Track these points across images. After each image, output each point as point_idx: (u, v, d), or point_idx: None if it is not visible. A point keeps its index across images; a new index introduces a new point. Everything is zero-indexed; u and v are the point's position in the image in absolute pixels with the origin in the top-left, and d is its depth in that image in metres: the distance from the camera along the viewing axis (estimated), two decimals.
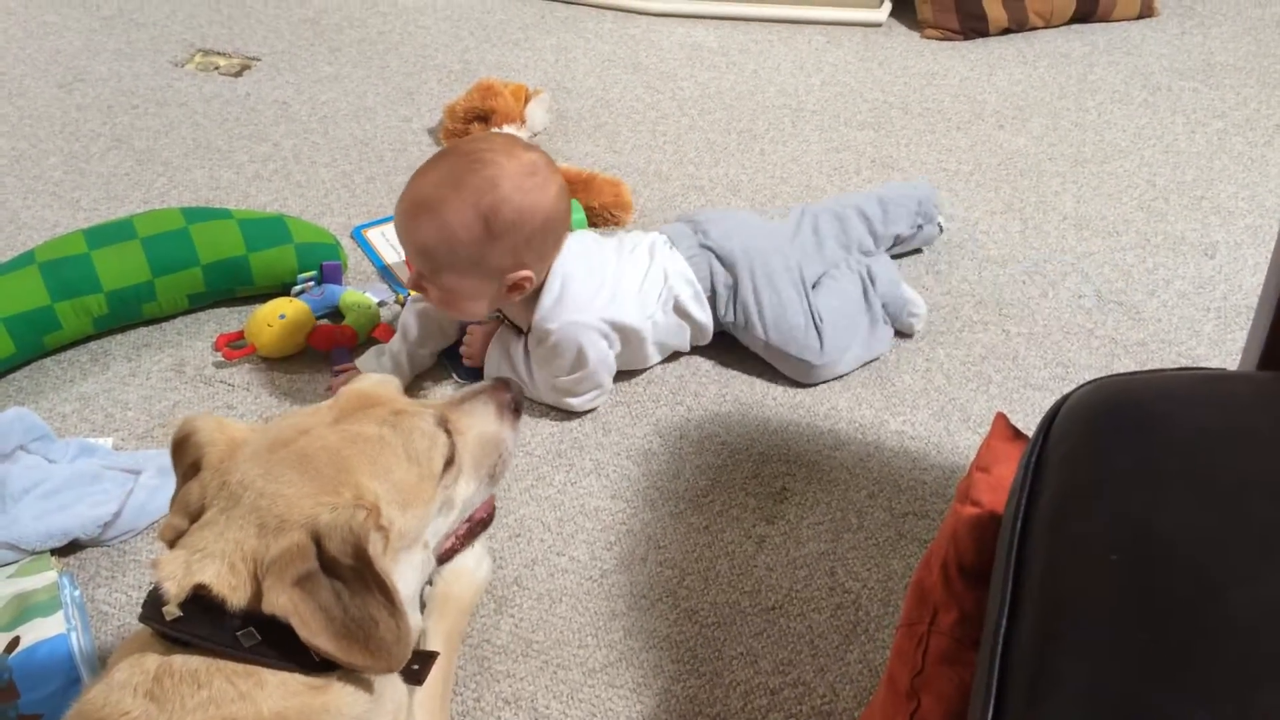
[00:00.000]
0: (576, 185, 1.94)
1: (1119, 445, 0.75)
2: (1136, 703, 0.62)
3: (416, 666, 1.03)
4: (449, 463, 1.00)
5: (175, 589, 0.86)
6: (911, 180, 1.99)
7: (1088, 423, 0.79)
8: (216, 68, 2.46)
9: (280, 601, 0.84)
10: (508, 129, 2.06)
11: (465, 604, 1.29)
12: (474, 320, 1.61)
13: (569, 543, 1.42)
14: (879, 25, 2.62)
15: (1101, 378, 0.84)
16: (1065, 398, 0.84)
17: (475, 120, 2.13)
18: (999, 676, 0.68)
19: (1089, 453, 0.77)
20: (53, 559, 1.34)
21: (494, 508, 1.16)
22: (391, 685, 0.99)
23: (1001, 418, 1.05)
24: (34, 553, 1.35)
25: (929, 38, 2.59)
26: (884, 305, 1.67)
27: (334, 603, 0.86)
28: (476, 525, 1.11)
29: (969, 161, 2.14)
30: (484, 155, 1.39)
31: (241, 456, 0.94)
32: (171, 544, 0.93)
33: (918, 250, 1.88)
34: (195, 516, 0.94)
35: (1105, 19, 2.64)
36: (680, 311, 1.59)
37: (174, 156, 2.15)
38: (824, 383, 1.64)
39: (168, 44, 2.54)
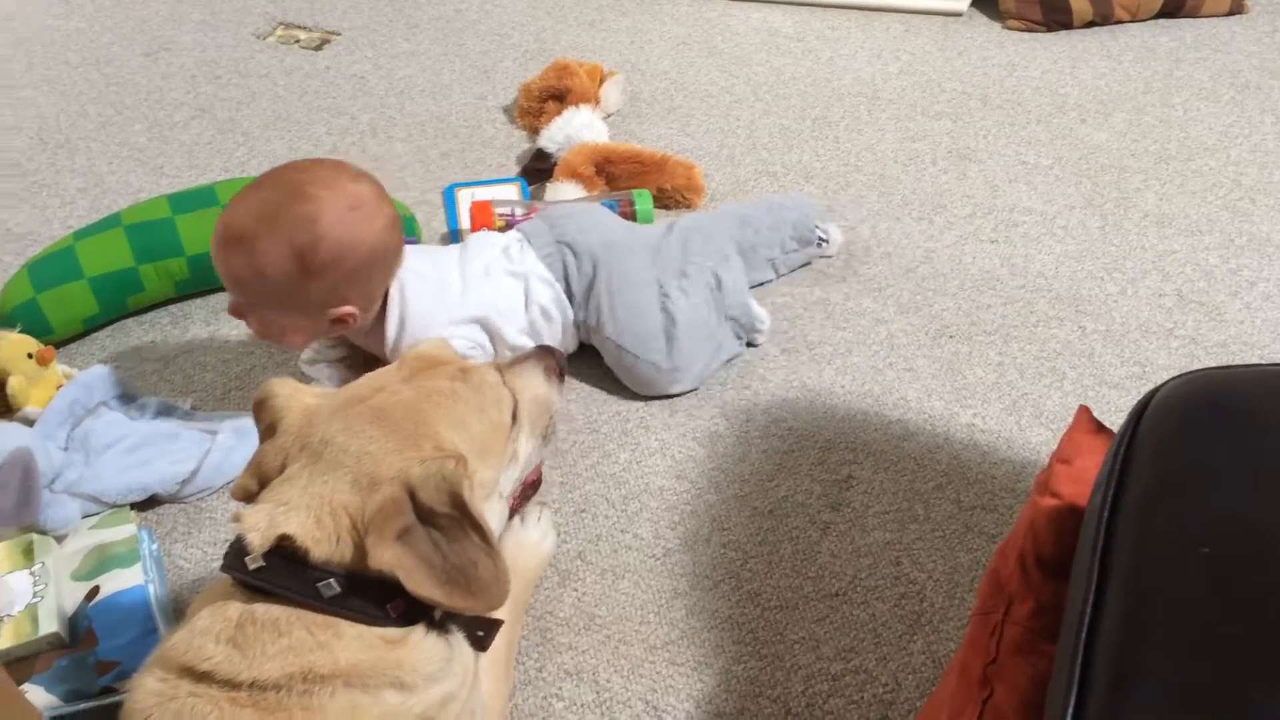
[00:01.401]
0: (649, 167, 1.94)
1: (1214, 439, 0.74)
2: (1226, 697, 0.61)
3: (482, 633, 1.04)
4: (514, 417, 1.04)
5: (260, 539, 0.88)
6: (792, 195, 1.86)
7: (1181, 415, 0.77)
8: (297, 41, 2.49)
9: (386, 557, 0.87)
10: (583, 109, 2.06)
11: (530, 575, 1.31)
12: (296, 350, 1.54)
13: (633, 520, 1.42)
14: (960, 15, 2.58)
15: (1195, 370, 0.82)
16: (1156, 390, 0.82)
17: (550, 99, 2.14)
18: (1082, 667, 0.67)
19: (1182, 446, 0.75)
20: (132, 513, 1.38)
21: (541, 473, 1.19)
22: (460, 648, 1.00)
23: (1084, 410, 1.03)
24: (115, 505, 1.38)
25: (1011, 29, 2.54)
26: (732, 317, 1.61)
27: (433, 552, 0.89)
28: (528, 488, 1.15)
29: (1049, 155, 2.11)
30: (305, 188, 1.30)
31: (319, 416, 0.96)
32: (245, 502, 0.96)
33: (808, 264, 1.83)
34: (268, 477, 0.96)
35: (1194, 15, 2.57)
36: (544, 313, 1.54)
37: (254, 127, 2.19)
38: (667, 397, 1.58)
39: (250, 16, 2.58)
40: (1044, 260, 1.84)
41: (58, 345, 1.59)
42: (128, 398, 1.50)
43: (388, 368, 1.04)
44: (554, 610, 1.31)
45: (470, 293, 1.48)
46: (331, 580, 0.87)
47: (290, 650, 0.86)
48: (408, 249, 1.44)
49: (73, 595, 1.26)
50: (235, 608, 0.88)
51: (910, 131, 2.18)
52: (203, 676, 0.86)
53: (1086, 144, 2.14)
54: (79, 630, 1.22)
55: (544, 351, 1.16)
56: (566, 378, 1.23)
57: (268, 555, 0.88)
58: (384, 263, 1.38)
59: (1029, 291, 1.78)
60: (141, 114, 2.23)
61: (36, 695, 1.14)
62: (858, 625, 1.30)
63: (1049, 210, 1.96)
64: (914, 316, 1.73)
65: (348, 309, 1.36)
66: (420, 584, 0.88)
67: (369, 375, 1.03)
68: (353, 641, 0.88)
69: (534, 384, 1.12)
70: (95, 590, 1.26)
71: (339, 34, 2.52)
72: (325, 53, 2.45)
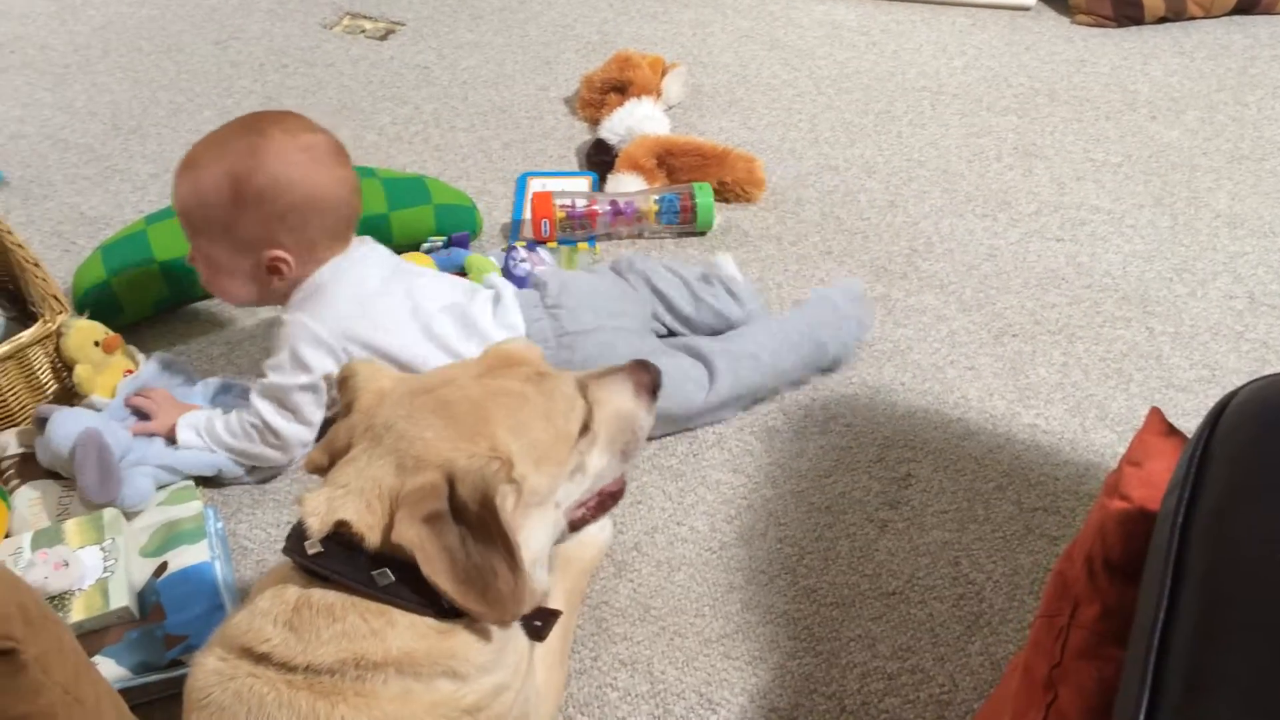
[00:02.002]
0: (710, 160, 1.94)
1: None
2: None
3: (539, 623, 1.05)
4: (585, 429, 1.01)
5: (318, 524, 0.89)
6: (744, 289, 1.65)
7: (1259, 420, 0.75)
8: (363, 31, 2.52)
9: (409, 534, 0.87)
10: (645, 101, 2.06)
11: (586, 565, 1.31)
12: (238, 303, 1.49)
13: (689, 513, 1.42)
14: (1027, 9, 2.54)
15: (1274, 375, 0.81)
16: (1233, 394, 0.80)
17: (612, 90, 2.14)
18: (1154, 673, 0.66)
19: (1260, 450, 0.73)
20: (198, 491, 1.41)
21: (625, 484, 1.14)
22: (514, 638, 1.01)
23: (1156, 412, 1.01)
24: (187, 477, 1.41)
25: (1080, 24, 2.50)
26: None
27: (458, 546, 0.88)
28: (607, 499, 1.11)
29: (1118, 152, 2.07)
30: (259, 125, 1.34)
31: (388, 400, 0.97)
32: (316, 474, 0.98)
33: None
34: (338, 455, 0.97)
35: (1269, 11, 2.51)
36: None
37: (320, 115, 2.20)
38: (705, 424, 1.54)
39: (318, 6, 2.61)
40: (1111, 259, 1.81)
41: (127, 327, 1.62)
42: (188, 384, 1.53)
43: (466, 361, 1.04)
44: (610, 600, 1.32)
45: (381, 318, 1.39)
46: (387, 569, 0.88)
47: (344, 636, 0.87)
48: (372, 253, 1.43)
49: (141, 570, 1.29)
50: (293, 591, 0.90)
51: (975, 127, 2.15)
52: (261, 658, 0.88)
53: (1157, 142, 2.10)
54: (147, 604, 1.25)
55: (638, 366, 1.10)
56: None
57: (325, 540, 0.89)
58: (322, 213, 1.35)
59: (1095, 291, 1.75)
60: (211, 101, 2.27)
61: (107, 667, 1.17)
62: (915, 624, 1.29)
63: (1117, 209, 1.92)
64: (976, 314, 1.71)
65: (279, 253, 1.35)
66: (436, 572, 0.87)
67: (444, 366, 1.04)
68: (405, 630, 0.89)
69: (618, 398, 1.07)
70: (163, 566, 1.29)
71: (404, 24, 2.54)
72: (390, 42, 2.47)
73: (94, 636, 1.20)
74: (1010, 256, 1.82)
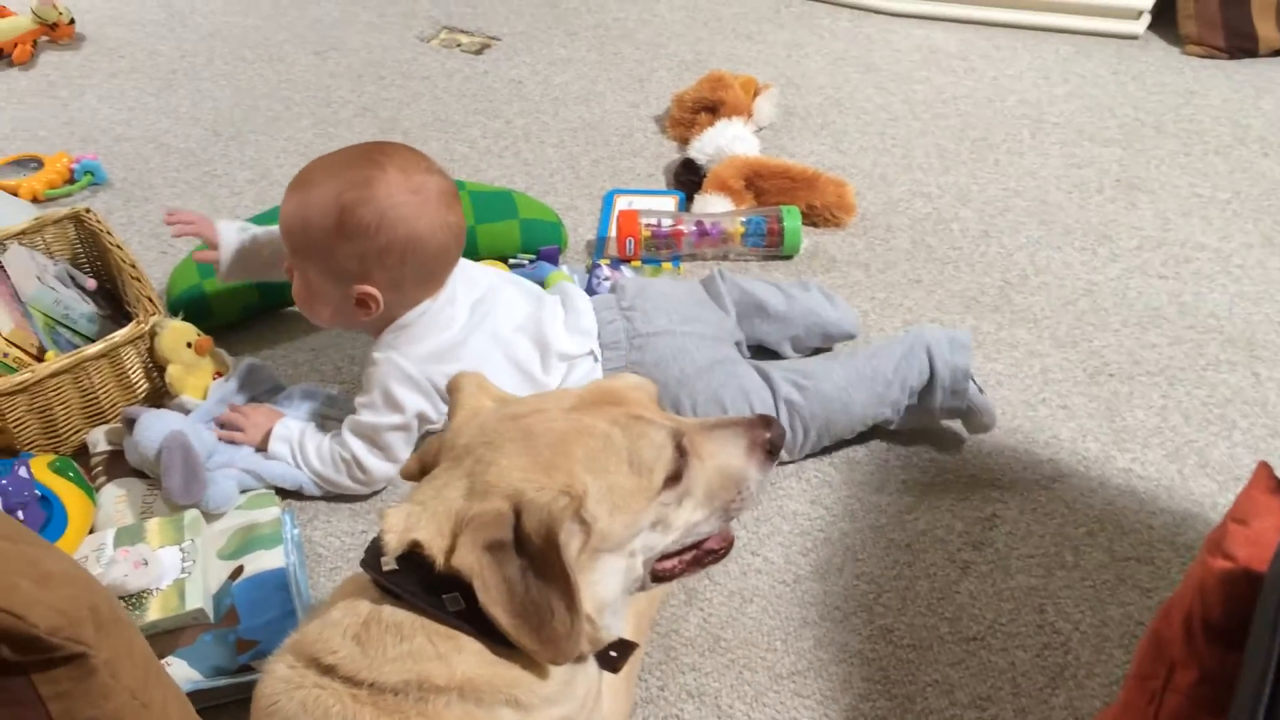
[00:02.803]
0: (800, 184, 1.91)
1: None
2: None
3: (615, 654, 1.02)
4: (673, 480, 0.95)
5: (394, 542, 0.89)
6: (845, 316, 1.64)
7: None
8: (459, 45, 2.55)
9: (468, 560, 0.85)
10: (735, 121, 2.04)
11: (657, 592, 1.29)
12: (322, 324, 1.46)
13: (764, 543, 1.39)
14: (1136, 38, 2.46)
15: None
16: None
17: (703, 110, 2.13)
18: None
19: None
20: (277, 497, 1.42)
21: (731, 541, 1.06)
22: (585, 670, 0.99)
23: (1265, 467, 0.96)
24: (268, 486, 1.43)
25: (1190, 54, 2.41)
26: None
27: (518, 578, 0.86)
28: (705, 555, 1.04)
29: (1226, 188, 1.99)
30: (377, 157, 1.32)
31: (478, 420, 0.97)
32: (412, 480, 0.98)
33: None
34: (429, 466, 0.97)
35: None
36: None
37: (413, 127, 2.24)
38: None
39: (416, 20, 2.65)
40: (1217, 300, 1.73)
41: (217, 330, 1.65)
42: (276, 390, 1.55)
43: (564, 391, 1.01)
44: (679, 629, 1.29)
45: (461, 360, 1.38)
46: (458, 594, 0.87)
47: (409, 656, 0.86)
48: (459, 288, 1.40)
49: (218, 573, 1.30)
50: (365, 606, 0.89)
51: (1076, 157, 2.08)
52: (328, 670, 0.87)
53: (1269, 179, 2.01)
54: (222, 607, 1.26)
55: (759, 423, 1.02)
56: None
57: (400, 558, 0.88)
58: (420, 257, 1.33)
59: (1199, 332, 1.67)
60: (309, 110, 2.31)
61: (180, 669, 1.19)
62: (996, 673, 1.24)
63: (1225, 247, 1.84)
64: (1071, 351, 1.65)
65: (370, 289, 1.33)
66: (493, 601, 0.85)
67: (542, 394, 1.02)
68: (472, 656, 0.88)
69: (725, 454, 0.99)
70: (239, 569, 1.30)
71: (499, 39, 2.56)
72: (485, 57, 2.50)
73: (168, 637, 1.22)
74: (1109, 292, 1.76)
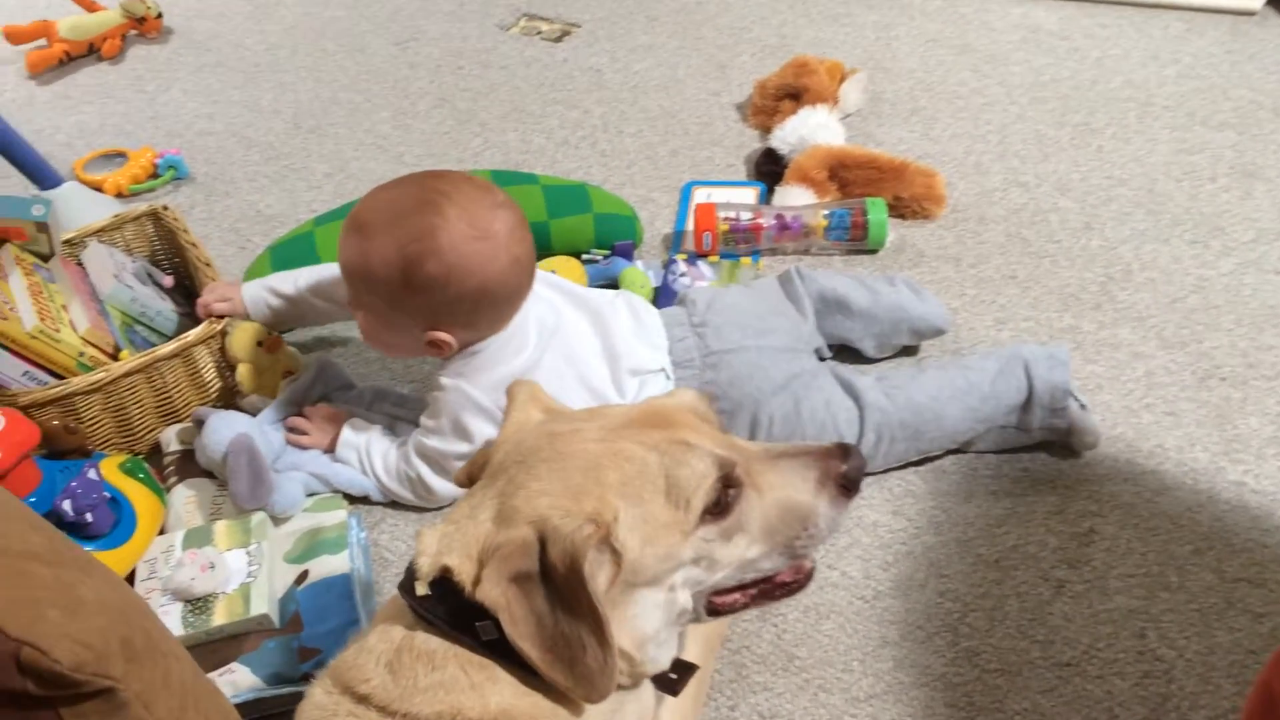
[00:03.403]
0: (887, 174, 1.83)
1: None
2: None
3: (674, 676, 0.98)
4: (718, 513, 0.88)
5: (427, 567, 0.85)
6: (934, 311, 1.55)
7: None
8: (539, 32, 2.51)
9: (493, 594, 0.81)
10: (819, 109, 1.96)
11: None
12: (390, 355, 1.43)
13: (842, 556, 1.33)
14: (1252, 14, 2.30)
15: None
16: None
17: (786, 97, 2.05)
18: None
19: None
20: (344, 499, 1.40)
21: (809, 573, 0.98)
22: (636, 697, 0.94)
23: None
24: (335, 491, 1.41)
25: None
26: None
27: (546, 611, 0.82)
28: (776, 589, 0.96)
29: None
30: (439, 201, 1.23)
31: (519, 436, 0.92)
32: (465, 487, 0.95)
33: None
34: (474, 479, 0.94)
35: None
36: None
37: (491, 118, 2.21)
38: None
39: (496, 8, 2.61)
40: None
41: (289, 329, 1.65)
42: (346, 388, 1.53)
43: (609, 409, 0.95)
44: (751, 645, 1.24)
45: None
46: (490, 624, 0.82)
47: (441, 687, 0.83)
48: (531, 309, 1.34)
49: (284, 577, 1.29)
50: (399, 631, 0.86)
51: (1187, 143, 1.95)
52: (362, 699, 0.84)
53: None
54: (287, 613, 1.25)
55: (835, 452, 0.91)
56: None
57: (434, 584, 0.85)
58: (494, 303, 1.28)
59: None
60: (388, 102, 2.30)
61: (242, 675, 1.18)
62: (1091, 702, 1.16)
63: None
64: (1179, 353, 1.54)
65: (443, 335, 1.29)
66: (521, 636, 0.81)
67: (588, 411, 0.96)
68: (507, 686, 0.84)
69: (790, 487, 0.90)
70: (305, 574, 1.28)
71: (579, 25, 2.51)
72: (565, 44, 2.45)
73: (233, 642, 1.21)
74: (1221, 289, 1.64)
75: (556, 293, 1.42)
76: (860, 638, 1.24)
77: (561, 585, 0.82)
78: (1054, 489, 1.38)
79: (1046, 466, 1.41)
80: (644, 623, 0.88)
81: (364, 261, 1.25)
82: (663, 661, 0.92)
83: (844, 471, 0.91)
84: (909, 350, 1.57)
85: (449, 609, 0.84)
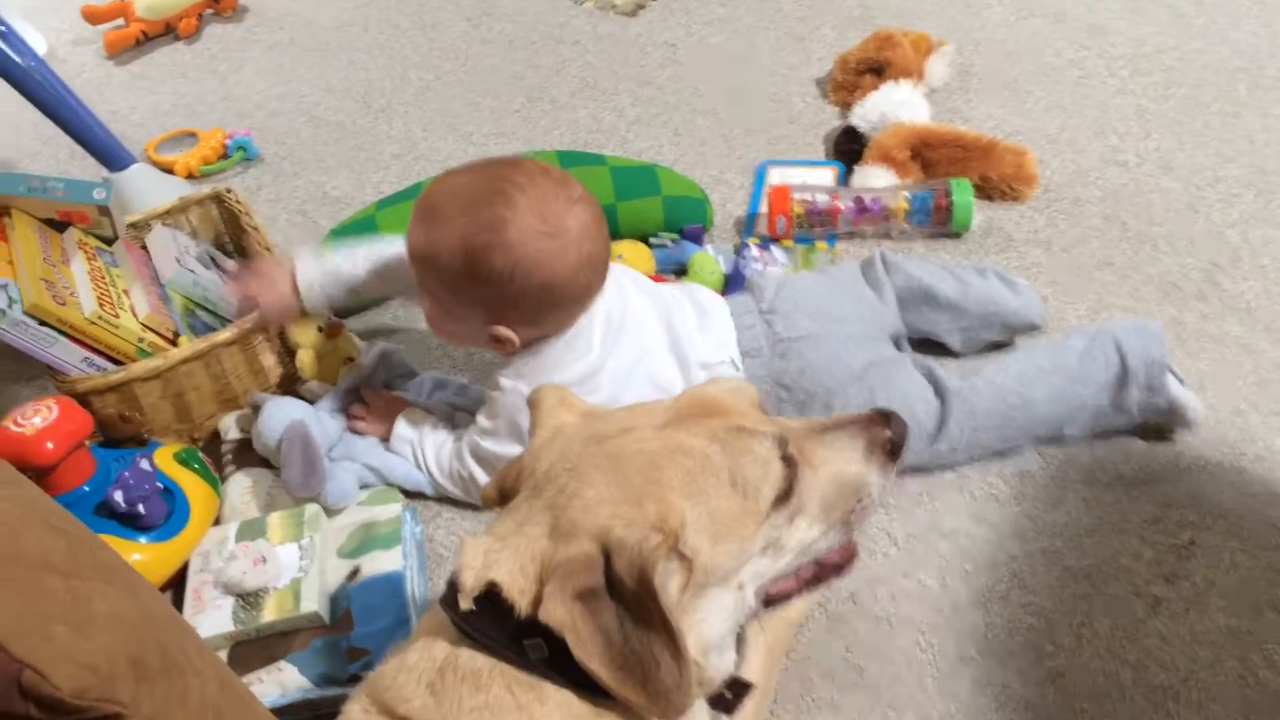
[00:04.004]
0: (973, 153, 1.73)
1: None
2: None
3: (730, 694, 0.92)
4: (783, 498, 0.85)
5: (471, 581, 0.80)
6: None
7: None
8: (613, 6, 2.44)
9: (558, 613, 0.76)
10: (903, 84, 1.86)
11: (792, 616, 1.17)
12: (453, 343, 1.39)
13: (918, 564, 1.25)
14: None
15: None
16: None
17: (868, 72, 1.96)
18: None
19: None
20: (400, 493, 1.37)
21: (854, 554, 0.95)
22: (690, 713, 0.88)
23: None
24: (390, 483, 1.38)
25: None
26: None
27: (615, 628, 0.77)
28: (827, 570, 0.94)
29: None
30: (510, 192, 1.18)
31: (559, 442, 0.87)
32: (494, 508, 0.90)
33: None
34: (508, 492, 0.89)
35: None
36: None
37: (561, 95, 2.16)
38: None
39: None
40: None
41: (350, 314, 1.62)
42: (408, 376, 1.50)
43: (653, 405, 0.90)
44: (817, 658, 1.17)
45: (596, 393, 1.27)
46: (540, 641, 0.78)
47: (486, 709, 0.78)
48: (597, 309, 1.28)
49: (336, 572, 1.26)
50: (442, 649, 0.81)
51: None
52: None
53: None
54: (338, 610, 1.22)
55: (876, 419, 0.90)
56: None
57: (479, 599, 0.80)
58: (560, 301, 1.23)
59: None
60: (458, 79, 2.26)
61: (290, 675, 1.15)
62: None
63: None
64: None
65: (505, 331, 1.24)
66: (590, 656, 0.76)
67: (628, 409, 0.91)
68: (556, 708, 0.78)
69: (841, 460, 0.88)
70: (356, 570, 1.25)
71: None
72: (639, 18, 2.38)
73: (282, 640, 1.19)
74: None
75: (625, 278, 1.36)
76: (935, 654, 1.17)
77: (630, 600, 0.77)
78: (1151, 496, 1.28)
79: (1142, 471, 1.31)
80: (710, 627, 0.84)
81: (430, 248, 1.22)
82: (725, 668, 0.87)
83: (889, 437, 0.90)
84: (996, 346, 1.48)
85: (497, 626, 0.79)
